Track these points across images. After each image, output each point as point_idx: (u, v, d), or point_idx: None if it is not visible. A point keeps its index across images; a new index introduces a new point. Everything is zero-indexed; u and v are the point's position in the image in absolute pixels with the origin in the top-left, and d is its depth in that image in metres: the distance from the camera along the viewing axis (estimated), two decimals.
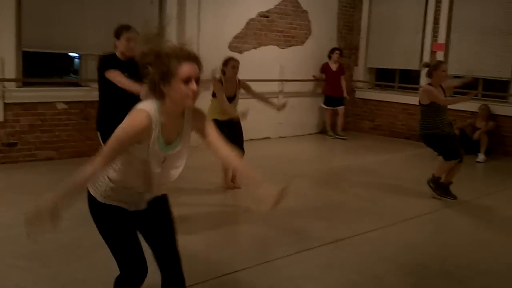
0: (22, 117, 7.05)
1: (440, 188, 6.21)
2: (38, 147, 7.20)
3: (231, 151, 2.60)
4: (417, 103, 9.97)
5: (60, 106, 7.35)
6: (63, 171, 6.73)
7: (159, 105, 2.43)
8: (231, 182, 6.14)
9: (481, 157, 8.67)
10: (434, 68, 6.08)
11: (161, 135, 2.45)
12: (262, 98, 6.35)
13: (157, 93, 2.43)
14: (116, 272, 3.79)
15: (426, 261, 4.40)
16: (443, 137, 5.97)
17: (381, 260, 4.35)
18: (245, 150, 5.89)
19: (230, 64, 6.08)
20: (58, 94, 7.38)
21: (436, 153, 6.54)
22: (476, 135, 8.86)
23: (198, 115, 2.61)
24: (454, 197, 6.17)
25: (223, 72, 6.10)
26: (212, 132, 2.61)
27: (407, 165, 8.29)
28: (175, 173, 2.65)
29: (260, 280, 3.87)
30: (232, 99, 6.09)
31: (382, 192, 6.13)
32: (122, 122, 2.40)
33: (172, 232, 2.78)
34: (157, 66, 2.40)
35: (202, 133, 2.61)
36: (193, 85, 2.39)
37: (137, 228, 2.73)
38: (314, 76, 10.51)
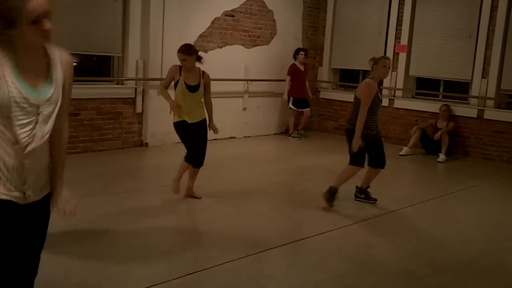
0: None
1: (365, 192, 6.10)
2: None
3: (65, 127, 2.35)
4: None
5: None
6: None
7: (11, 52, 2.09)
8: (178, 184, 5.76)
9: (441, 157, 8.83)
10: (375, 62, 5.75)
11: (20, 77, 2.10)
12: (209, 108, 5.83)
13: (2, 40, 2.07)
14: (77, 271, 3.75)
15: (386, 260, 4.47)
16: (365, 139, 5.62)
17: (343, 259, 4.39)
18: (207, 150, 5.72)
19: (179, 58, 5.52)
20: None
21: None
22: (437, 136, 9.04)
23: (66, 61, 2.28)
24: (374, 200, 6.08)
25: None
26: (68, 93, 2.30)
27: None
28: (48, 128, 2.21)
29: (221, 280, 3.86)
30: (195, 88, 5.57)
31: (344, 191, 6.16)
32: None
33: (40, 246, 2.40)
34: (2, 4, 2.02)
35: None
36: (45, 24, 2.07)
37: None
38: None
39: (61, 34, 7.48)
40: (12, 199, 2.17)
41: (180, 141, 5.74)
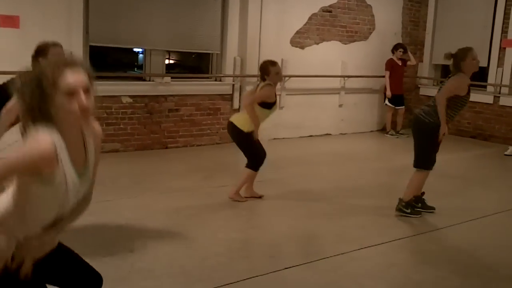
0: None
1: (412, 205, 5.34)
2: (104, 140, 7.27)
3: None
4: (485, 102, 9.76)
5: (125, 100, 7.55)
6: (127, 162, 6.97)
7: (53, 131, 1.93)
8: (239, 194, 5.59)
9: None
10: (462, 58, 5.02)
11: (71, 162, 1.98)
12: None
13: (43, 117, 1.92)
14: (179, 260, 3.88)
15: (491, 263, 4.24)
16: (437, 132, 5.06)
17: (444, 261, 4.23)
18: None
19: (274, 70, 5.36)
20: (123, 88, 7.58)
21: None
22: None
23: (97, 134, 2.20)
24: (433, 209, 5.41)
25: (263, 79, 5.41)
26: (97, 165, 2.22)
27: (473, 164, 8.03)
28: (84, 208, 2.22)
29: (318, 276, 3.84)
30: (273, 105, 5.50)
31: (446, 191, 5.96)
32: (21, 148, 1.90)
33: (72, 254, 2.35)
34: (34, 82, 1.90)
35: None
36: (81, 99, 1.90)
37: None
38: None
39: (162, 32, 7.79)
40: None
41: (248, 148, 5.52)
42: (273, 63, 5.41)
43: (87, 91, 1.93)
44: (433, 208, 5.41)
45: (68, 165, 1.96)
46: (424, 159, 5.23)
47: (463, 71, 5.07)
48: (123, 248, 4.14)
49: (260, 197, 5.66)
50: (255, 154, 5.51)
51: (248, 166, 5.53)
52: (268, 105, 5.38)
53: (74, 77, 1.90)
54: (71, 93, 1.89)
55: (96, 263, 3.77)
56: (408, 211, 5.28)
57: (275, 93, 5.47)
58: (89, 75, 1.97)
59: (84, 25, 7.08)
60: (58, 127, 1.93)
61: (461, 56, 5.06)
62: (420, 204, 5.39)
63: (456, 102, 5.10)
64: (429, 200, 5.47)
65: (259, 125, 5.41)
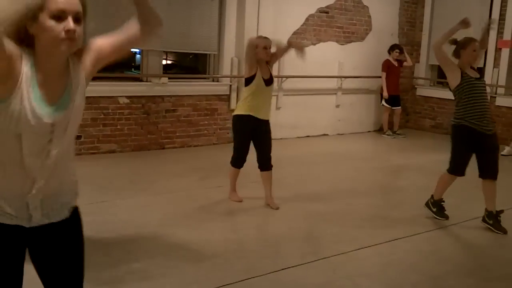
0: (85, 110, 7.10)
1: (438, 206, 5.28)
2: (101, 140, 7.41)
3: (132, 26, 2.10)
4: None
5: (122, 101, 7.54)
6: (124, 163, 6.97)
7: (32, 58, 1.75)
8: (235, 193, 5.50)
9: None
10: (463, 46, 4.98)
11: (38, 90, 1.76)
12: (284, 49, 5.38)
13: (24, 39, 1.73)
14: (175, 261, 3.87)
15: (487, 263, 4.26)
16: (467, 133, 4.89)
17: (441, 260, 4.25)
18: (271, 157, 5.30)
19: (261, 45, 5.09)
20: (120, 89, 7.57)
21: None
22: None
23: (82, 51, 1.95)
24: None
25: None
26: (105, 40, 2.06)
27: (470, 164, 8.02)
28: (69, 141, 1.99)
29: (315, 276, 3.84)
30: (269, 82, 5.21)
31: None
32: None
33: (80, 268, 2.15)
34: None
35: (100, 58, 2.01)
36: (69, 23, 1.71)
37: (31, 256, 2.00)
38: None
39: (159, 33, 7.76)
40: (17, 223, 1.87)
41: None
42: (262, 37, 5.25)
43: (77, 20, 1.75)
44: (447, 217, 5.25)
45: (30, 89, 1.75)
46: (451, 161, 5.18)
47: (461, 60, 5.04)
48: (119, 249, 4.14)
49: (275, 208, 5.33)
50: (236, 148, 5.34)
51: (230, 161, 5.42)
52: (248, 80, 5.12)
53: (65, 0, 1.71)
54: (59, 16, 1.71)
55: (92, 264, 3.78)
56: (434, 209, 5.26)
57: (257, 68, 5.09)
58: (83, 3, 1.80)
59: None
60: (37, 56, 1.76)
61: (463, 44, 5.06)
62: (435, 209, 5.26)
63: (467, 92, 4.85)
64: (420, 199, 5.47)
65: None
